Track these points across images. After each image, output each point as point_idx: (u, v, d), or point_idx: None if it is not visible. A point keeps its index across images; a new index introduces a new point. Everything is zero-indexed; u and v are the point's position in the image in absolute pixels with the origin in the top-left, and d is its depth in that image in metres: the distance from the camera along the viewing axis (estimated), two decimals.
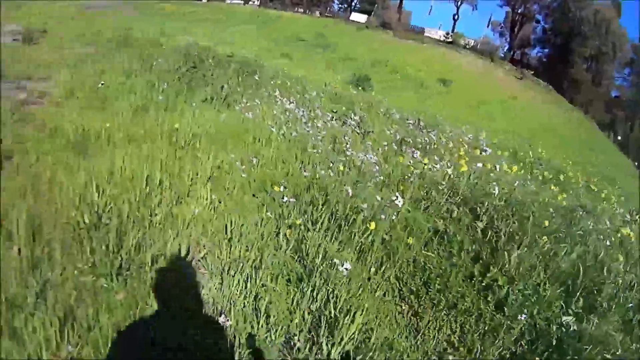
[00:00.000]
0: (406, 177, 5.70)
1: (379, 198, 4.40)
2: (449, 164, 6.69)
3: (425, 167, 6.24)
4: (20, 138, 4.81)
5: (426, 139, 8.60)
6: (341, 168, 5.32)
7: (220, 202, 4.21)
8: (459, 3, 53.71)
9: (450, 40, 45.18)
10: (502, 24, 57.21)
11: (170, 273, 3.24)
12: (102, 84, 6.43)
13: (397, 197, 4.46)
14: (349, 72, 18.82)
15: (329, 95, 10.69)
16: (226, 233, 3.78)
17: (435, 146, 8.51)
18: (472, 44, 46.56)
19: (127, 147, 4.92)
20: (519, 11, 53.68)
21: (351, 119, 8.13)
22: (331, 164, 5.51)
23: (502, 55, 48.80)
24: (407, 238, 4.16)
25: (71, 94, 6.36)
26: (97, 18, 15.79)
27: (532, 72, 44.73)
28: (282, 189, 4.24)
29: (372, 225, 4.03)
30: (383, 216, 4.28)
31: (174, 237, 3.62)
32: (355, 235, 4.09)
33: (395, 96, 17.76)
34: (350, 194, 4.39)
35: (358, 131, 7.66)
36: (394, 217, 4.43)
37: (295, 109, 7.39)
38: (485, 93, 28.18)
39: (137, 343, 2.62)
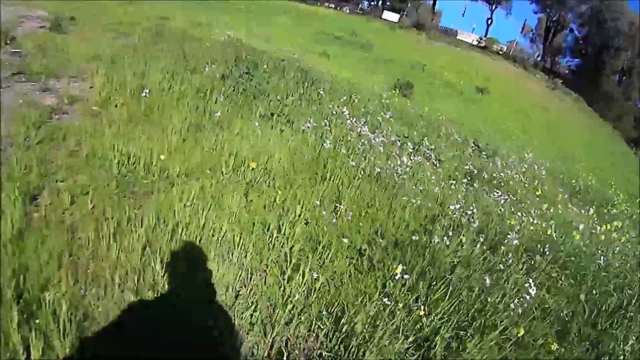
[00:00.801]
0: (507, 235, 4.66)
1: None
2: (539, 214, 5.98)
3: (524, 221, 5.38)
4: (48, 167, 3.73)
5: (501, 174, 7.53)
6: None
7: (317, 276, 3.12)
8: (494, 6, 52.21)
9: (483, 44, 43.84)
10: (534, 30, 55.70)
11: None
12: (147, 93, 5.33)
13: (529, 284, 3.45)
14: (389, 75, 17.72)
15: (391, 110, 9.58)
16: (339, 331, 2.71)
17: (509, 182, 7.52)
18: (504, 50, 45.25)
19: (185, 184, 3.86)
20: (554, 18, 51.94)
21: (424, 146, 7.09)
22: (425, 218, 4.53)
23: (533, 62, 47.30)
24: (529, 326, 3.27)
25: (109, 100, 5.29)
26: (129, 3, 14.68)
27: (561, 81, 43.22)
28: (399, 267, 3.14)
29: (521, 331, 2.99)
30: (519, 310, 3.26)
31: (271, 338, 2.57)
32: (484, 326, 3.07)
33: (436, 104, 16.66)
34: (488, 283, 3.33)
35: (434, 162, 6.64)
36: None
37: (369, 133, 6.27)
38: (520, 103, 26.88)
39: None
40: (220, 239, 3.19)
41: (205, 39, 9.67)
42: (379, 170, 5.33)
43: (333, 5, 48.16)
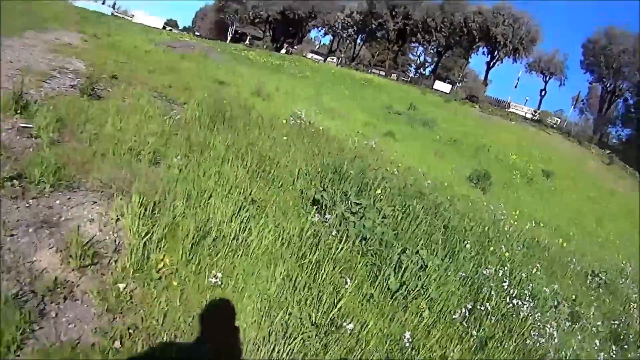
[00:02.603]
0: None
1: None
2: None
3: None
4: None
5: None
6: None
7: None
8: (547, 78, 50.52)
9: (537, 118, 41.97)
10: (585, 100, 53.47)
11: None
12: (217, 279, 3.01)
13: None
14: (459, 160, 15.74)
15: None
16: None
17: None
18: (558, 123, 43.23)
19: None
20: (609, 88, 49.51)
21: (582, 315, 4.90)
22: None
23: (586, 135, 44.89)
24: None
25: (146, 264, 2.98)
26: (180, 62, 13.01)
27: (609, 152, 40.16)
28: None
29: None
30: None
31: None
32: None
33: (513, 198, 14.33)
34: None
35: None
36: None
37: (546, 326, 3.93)
38: (586, 187, 23.97)
39: None
40: None
41: (274, 121, 7.55)
42: None
43: (383, 73, 48.00)
